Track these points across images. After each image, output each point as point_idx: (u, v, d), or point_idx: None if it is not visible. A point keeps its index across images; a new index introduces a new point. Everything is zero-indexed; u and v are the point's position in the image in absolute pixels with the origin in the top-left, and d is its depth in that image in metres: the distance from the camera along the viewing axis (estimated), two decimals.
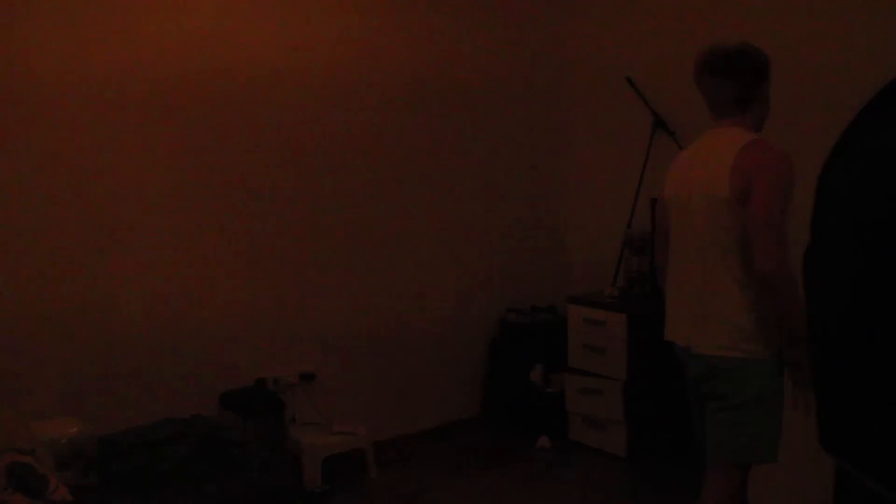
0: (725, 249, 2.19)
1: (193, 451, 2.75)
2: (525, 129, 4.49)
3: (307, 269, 3.72)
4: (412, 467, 3.78)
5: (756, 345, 2.16)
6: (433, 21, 4.06)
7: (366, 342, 3.93)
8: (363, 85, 3.85)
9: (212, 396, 3.43)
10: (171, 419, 3.02)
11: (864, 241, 1.03)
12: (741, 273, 2.16)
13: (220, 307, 3.47)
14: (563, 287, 4.49)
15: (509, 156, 4.43)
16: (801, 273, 1.18)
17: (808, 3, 3.48)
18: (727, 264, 2.19)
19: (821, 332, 1.14)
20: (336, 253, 3.81)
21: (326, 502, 3.39)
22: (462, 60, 4.18)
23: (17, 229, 3.00)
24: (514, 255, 4.47)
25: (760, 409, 2.19)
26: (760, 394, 2.18)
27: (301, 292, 3.71)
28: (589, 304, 4.01)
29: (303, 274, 3.71)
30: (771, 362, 2.18)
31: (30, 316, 3.02)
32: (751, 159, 2.13)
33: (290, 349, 3.68)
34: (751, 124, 2.27)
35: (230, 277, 3.49)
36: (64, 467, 2.66)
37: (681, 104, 3.76)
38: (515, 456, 3.93)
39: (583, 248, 4.62)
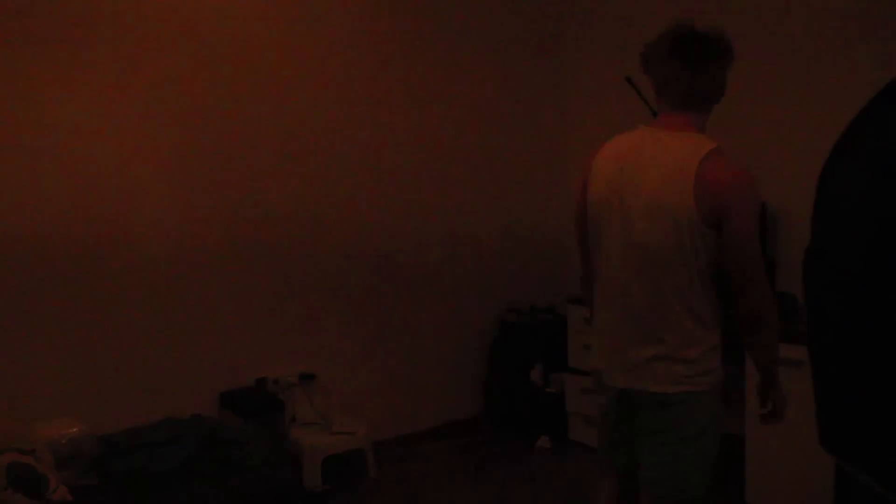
0: (687, 276, 1.92)
1: (193, 451, 2.75)
2: (525, 130, 4.49)
3: (307, 268, 3.72)
4: (412, 467, 3.78)
5: (703, 377, 1.97)
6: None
7: (366, 342, 3.94)
8: (362, 85, 3.86)
9: (212, 396, 3.43)
10: (171, 419, 3.02)
11: (863, 241, 1.03)
12: (697, 303, 1.94)
13: (220, 307, 3.47)
14: (563, 287, 4.49)
15: (509, 155, 4.43)
16: (802, 273, 1.18)
17: (808, 2, 3.48)
18: (684, 292, 1.93)
19: (820, 333, 1.14)
20: (336, 253, 3.81)
21: (326, 502, 3.39)
22: (461, 72, 4.19)
23: (15, 230, 3.00)
24: (514, 255, 4.47)
25: (701, 443, 2.01)
26: (704, 427, 2.00)
27: (301, 292, 3.71)
28: (589, 304, 3.98)
29: (302, 273, 3.71)
30: (714, 394, 2.01)
31: (29, 316, 3.03)
32: (718, 175, 1.86)
33: (290, 349, 3.68)
34: (702, 123, 2.05)
35: (229, 277, 3.50)
36: (64, 467, 2.66)
37: None
38: (515, 456, 3.93)
39: None
